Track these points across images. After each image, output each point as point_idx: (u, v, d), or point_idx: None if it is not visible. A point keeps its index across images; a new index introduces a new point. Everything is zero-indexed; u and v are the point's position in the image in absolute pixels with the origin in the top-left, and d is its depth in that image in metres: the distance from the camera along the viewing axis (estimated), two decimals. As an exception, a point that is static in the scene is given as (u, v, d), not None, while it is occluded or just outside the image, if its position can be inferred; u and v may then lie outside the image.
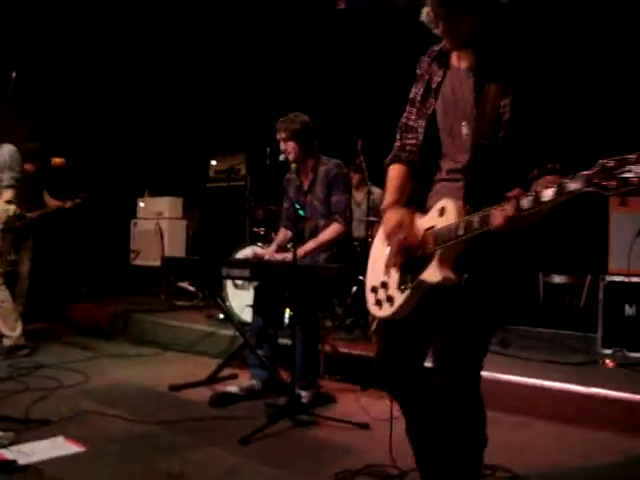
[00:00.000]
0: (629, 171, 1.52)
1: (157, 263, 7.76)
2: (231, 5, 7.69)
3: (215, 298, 4.97)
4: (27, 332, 5.39)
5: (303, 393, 3.90)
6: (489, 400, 2.12)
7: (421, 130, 2.26)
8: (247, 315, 4.99)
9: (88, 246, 8.94)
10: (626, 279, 4.76)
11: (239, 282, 5.63)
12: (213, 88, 8.89)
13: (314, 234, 4.19)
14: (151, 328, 6.14)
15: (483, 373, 2.10)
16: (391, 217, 2.18)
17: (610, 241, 4.98)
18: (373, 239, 5.47)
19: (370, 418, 3.64)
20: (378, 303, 2.26)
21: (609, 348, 4.79)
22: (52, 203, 6.52)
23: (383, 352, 2.31)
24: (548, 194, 1.69)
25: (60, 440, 3.19)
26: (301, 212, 3.75)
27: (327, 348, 4.59)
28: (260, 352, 4.14)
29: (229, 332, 5.28)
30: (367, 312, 4.96)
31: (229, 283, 5.73)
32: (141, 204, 9.01)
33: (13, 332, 5.08)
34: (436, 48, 2.27)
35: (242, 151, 8.22)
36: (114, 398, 4.04)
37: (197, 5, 7.78)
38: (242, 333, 4.43)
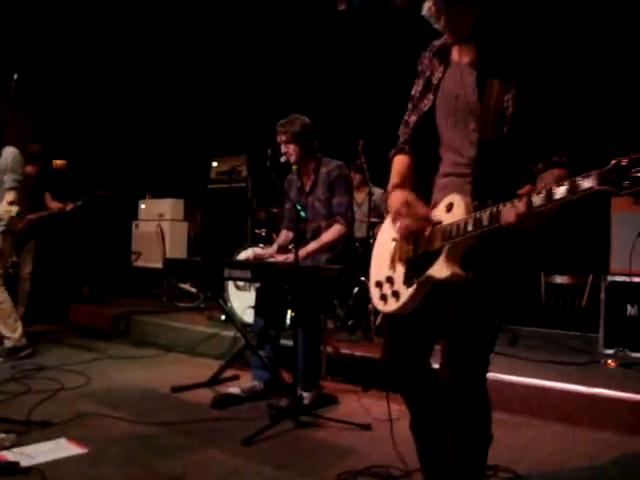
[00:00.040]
0: None
1: (159, 265, 7.76)
2: (232, 7, 7.69)
3: (217, 299, 4.97)
4: (29, 334, 5.39)
5: (305, 394, 3.90)
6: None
7: (411, 126, 2.28)
8: (249, 316, 4.99)
9: (90, 248, 8.97)
10: (628, 279, 4.76)
11: (241, 283, 5.64)
12: (214, 90, 8.90)
13: (316, 235, 4.19)
14: (153, 330, 6.14)
15: (485, 373, 2.10)
16: (396, 197, 2.16)
17: (612, 241, 4.98)
18: (375, 239, 5.48)
19: (372, 419, 3.65)
20: (383, 298, 2.25)
21: (611, 348, 4.79)
22: (53, 205, 6.53)
23: (388, 348, 2.31)
24: (560, 192, 1.67)
25: (62, 442, 3.19)
26: (302, 213, 3.75)
27: (329, 349, 4.59)
28: (262, 353, 4.14)
29: (231, 333, 5.29)
30: (368, 313, 5.03)
31: (231, 284, 5.73)
32: (142, 206, 9.01)
33: (14, 333, 5.08)
34: (437, 43, 2.27)
35: (243, 152, 8.22)
36: (116, 400, 4.05)
37: (198, 7, 7.78)
38: (244, 334, 4.43)
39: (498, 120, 2.00)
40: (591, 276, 5.31)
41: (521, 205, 1.77)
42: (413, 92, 2.33)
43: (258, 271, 3.95)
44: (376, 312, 4.73)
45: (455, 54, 2.17)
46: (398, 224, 2.14)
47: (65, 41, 8.08)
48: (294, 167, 4.29)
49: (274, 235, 5.77)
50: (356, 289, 5.52)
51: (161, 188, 9.16)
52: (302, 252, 3.90)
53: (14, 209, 4.82)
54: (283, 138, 4.18)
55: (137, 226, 8.96)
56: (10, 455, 2.92)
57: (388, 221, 2.31)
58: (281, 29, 7.66)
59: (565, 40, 4.93)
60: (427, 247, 2.08)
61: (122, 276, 8.95)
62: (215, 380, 4.47)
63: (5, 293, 5.07)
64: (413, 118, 2.29)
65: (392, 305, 2.20)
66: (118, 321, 6.44)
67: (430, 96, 2.21)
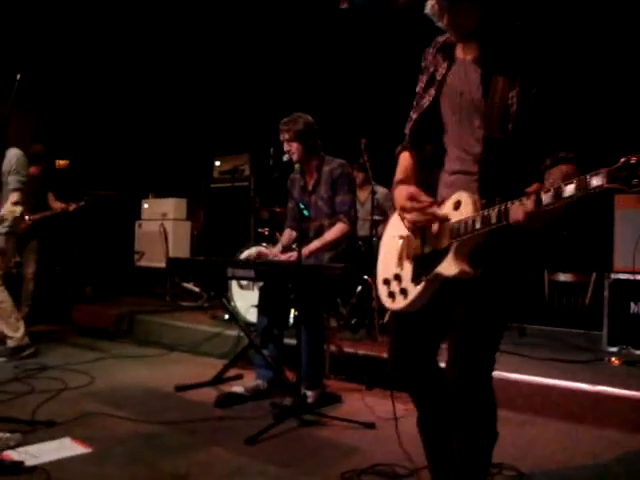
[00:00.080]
0: None
1: (162, 264, 7.76)
2: (234, 5, 7.69)
3: (220, 299, 4.97)
4: (32, 334, 5.41)
5: (309, 393, 3.90)
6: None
7: (413, 122, 2.29)
8: (252, 315, 5.00)
9: (93, 248, 8.98)
10: (631, 277, 4.76)
11: (244, 282, 5.64)
12: (216, 89, 8.90)
13: (319, 234, 4.19)
14: (156, 329, 6.15)
15: (489, 372, 2.11)
16: (401, 192, 2.17)
17: (615, 239, 4.98)
18: (378, 238, 5.46)
19: (376, 417, 3.65)
20: (391, 295, 2.25)
21: (615, 346, 4.79)
22: (56, 205, 6.53)
23: (395, 345, 2.31)
24: (569, 190, 1.66)
25: (66, 441, 3.19)
26: (305, 212, 3.75)
27: (332, 348, 4.58)
28: (265, 352, 4.14)
29: (234, 332, 5.29)
30: (372, 312, 5.03)
31: (234, 284, 5.73)
32: (145, 205, 9.03)
33: (16, 333, 5.09)
34: (440, 39, 2.27)
35: (246, 151, 8.22)
36: (120, 399, 4.05)
37: (201, 6, 7.78)
38: (247, 333, 4.43)
39: (503, 117, 2.00)
40: (595, 274, 5.30)
41: (529, 203, 1.76)
42: (418, 89, 2.33)
43: (261, 270, 3.95)
44: (381, 310, 4.76)
45: (459, 51, 2.17)
46: (405, 218, 2.15)
47: (67, 41, 8.08)
48: (297, 166, 4.28)
49: (277, 234, 5.77)
50: (359, 288, 5.52)
51: (164, 188, 9.17)
52: (305, 251, 3.90)
53: (18, 210, 4.83)
54: (286, 136, 4.17)
55: (140, 226, 8.97)
56: (15, 454, 2.92)
57: (394, 218, 2.31)
58: (283, 28, 7.65)
59: (570, 36, 4.92)
60: (435, 245, 2.08)
61: (125, 276, 8.96)
62: (219, 379, 4.48)
63: (5, 292, 5.08)
64: (415, 114, 2.29)
65: (400, 303, 2.20)
66: (121, 321, 6.45)
67: (432, 91, 2.21)
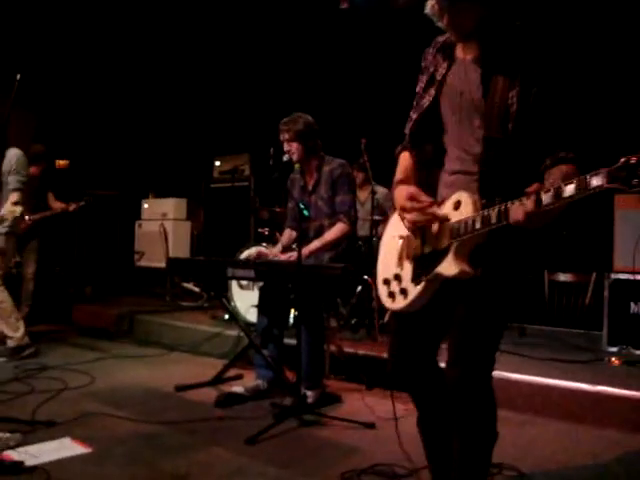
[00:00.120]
0: None
1: (162, 264, 7.76)
2: (234, 5, 7.69)
3: (220, 299, 4.97)
4: (32, 334, 5.41)
5: (309, 393, 3.90)
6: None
7: (413, 122, 2.29)
8: (252, 315, 5.00)
9: (93, 248, 8.98)
10: (631, 277, 4.76)
11: (244, 282, 5.64)
12: (216, 89, 8.90)
13: (319, 234, 4.19)
14: (156, 329, 6.15)
15: (489, 372, 2.11)
16: (401, 192, 2.17)
17: (615, 239, 4.98)
18: (378, 238, 5.47)
19: (376, 417, 3.65)
20: (391, 295, 2.25)
21: (615, 346, 4.79)
22: (56, 205, 6.53)
23: (395, 345, 2.31)
24: (569, 190, 1.67)
25: (66, 441, 3.19)
26: (305, 212, 3.75)
27: (332, 348, 4.58)
28: (265, 352, 4.14)
29: (234, 332, 5.29)
30: (372, 312, 5.03)
31: (234, 284, 5.73)
32: (145, 205, 9.03)
33: (16, 332, 5.09)
34: (440, 39, 2.27)
35: (246, 151, 8.22)
36: (120, 399, 4.05)
37: (200, 5, 7.78)
38: (247, 333, 4.43)
39: (503, 117, 2.00)
40: (595, 274, 5.30)
41: (529, 203, 1.77)
42: (418, 89, 2.33)
43: (261, 270, 3.95)
44: (381, 309, 4.76)
45: (459, 51, 2.17)
46: (405, 218, 2.16)
47: (67, 41, 8.08)
48: (297, 166, 4.28)
49: (277, 234, 5.77)
50: (359, 288, 5.52)
51: (164, 188, 9.17)
52: (305, 250, 3.90)
53: (18, 210, 4.84)
54: (286, 136, 4.17)
55: (140, 226, 8.97)
56: (15, 454, 2.93)
57: (394, 218, 2.32)
58: (283, 28, 7.65)
59: (569, 36, 4.92)
60: (435, 245, 2.09)
61: (125, 276, 8.97)
62: (219, 379, 4.48)
63: (5, 292, 5.08)
64: (415, 114, 2.29)
65: (400, 303, 2.20)
66: (121, 321, 6.45)
67: (432, 91, 2.21)
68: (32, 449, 3.02)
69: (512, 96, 1.99)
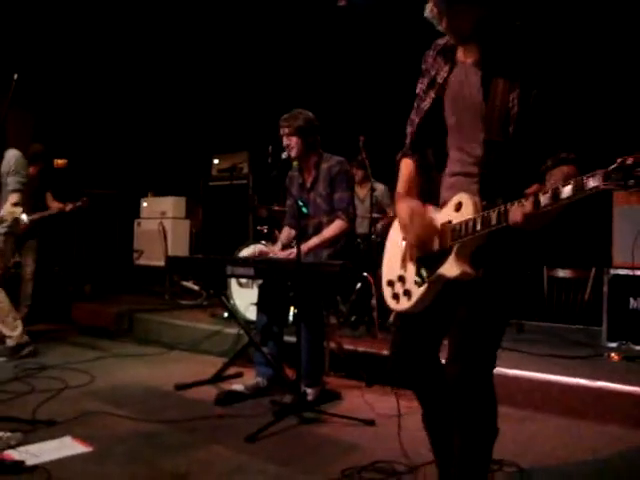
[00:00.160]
0: None
1: (161, 263, 7.77)
2: (233, 3, 7.68)
3: (219, 297, 4.97)
4: (31, 333, 5.40)
5: (308, 390, 3.91)
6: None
7: (414, 126, 2.30)
8: (251, 313, 4.99)
9: (92, 246, 8.98)
10: (630, 272, 4.76)
11: (243, 280, 5.64)
12: (215, 87, 8.90)
13: (317, 231, 4.19)
14: (156, 328, 6.14)
15: (489, 368, 2.11)
16: (403, 207, 2.19)
17: (614, 234, 4.97)
18: (377, 235, 5.47)
19: (376, 414, 3.65)
20: (395, 297, 2.27)
21: (614, 341, 4.79)
22: (54, 205, 6.52)
23: (398, 342, 2.33)
24: (566, 191, 1.69)
25: (67, 440, 3.19)
26: (304, 209, 3.75)
27: (332, 345, 4.59)
28: (265, 350, 4.14)
29: (234, 330, 5.29)
30: (371, 309, 5.03)
31: (233, 282, 5.73)
32: (144, 204, 9.02)
33: (14, 332, 5.09)
34: (440, 42, 2.27)
35: (244, 149, 8.22)
36: (120, 398, 4.05)
37: (199, 4, 7.77)
38: (247, 331, 4.43)
39: (503, 120, 2.01)
40: (594, 269, 5.30)
41: (528, 205, 1.79)
42: (418, 90, 2.33)
43: (260, 268, 3.95)
44: (381, 307, 4.77)
45: (460, 54, 2.18)
46: (407, 236, 2.19)
47: (65, 40, 8.08)
48: (295, 163, 4.28)
49: (276, 232, 5.77)
50: (359, 285, 5.52)
51: (163, 186, 9.17)
52: (304, 247, 3.90)
53: (18, 211, 4.83)
54: (286, 131, 4.17)
55: (139, 224, 8.97)
56: (16, 454, 2.92)
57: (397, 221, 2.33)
58: (281, 25, 7.65)
59: (569, 36, 4.92)
60: (437, 244, 2.11)
61: (124, 274, 8.96)
62: (218, 377, 4.47)
63: (3, 292, 5.07)
64: (416, 118, 2.30)
65: (404, 304, 2.22)
66: (121, 319, 6.44)
67: (433, 95, 2.22)
68: (33, 448, 3.02)
69: (513, 98, 2.00)
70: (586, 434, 3.44)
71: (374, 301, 5.02)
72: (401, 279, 2.25)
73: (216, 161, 8.58)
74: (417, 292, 2.16)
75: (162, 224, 8.03)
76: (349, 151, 5.20)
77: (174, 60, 8.73)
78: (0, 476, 2.72)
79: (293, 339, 3.94)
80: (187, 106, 9.16)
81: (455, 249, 2.03)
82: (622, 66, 5.66)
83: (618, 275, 4.82)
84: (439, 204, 2.18)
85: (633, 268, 4.71)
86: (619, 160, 1.56)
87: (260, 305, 4.30)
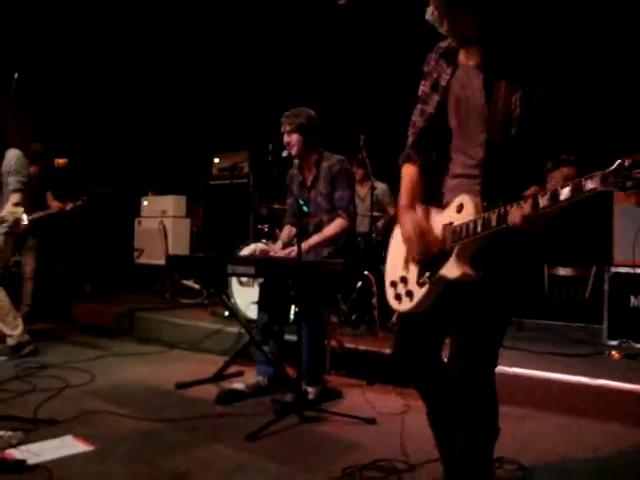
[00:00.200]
0: None
1: (161, 261, 7.76)
2: (233, 2, 7.68)
3: (220, 295, 4.97)
4: (32, 332, 5.40)
5: (309, 389, 3.91)
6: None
7: (417, 129, 2.30)
8: (252, 312, 5.00)
9: (92, 246, 8.98)
10: (631, 270, 4.76)
11: (244, 279, 5.64)
12: (215, 85, 8.90)
13: (318, 230, 4.19)
14: (156, 326, 6.14)
15: (488, 366, 2.11)
16: (406, 221, 2.22)
17: (615, 232, 4.98)
18: (377, 234, 5.47)
19: (377, 413, 3.65)
20: (398, 297, 2.30)
21: (615, 339, 4.79)
22: (54, 205, 6.52)
23: (400, 341, 2.36)
24: (565, 193, 1.71)
25: (68, 439, 3.20)
26: (305, 208, 3.75)
27: (333, 344, 4.59)
28: (266, 349, 4.14)
29: (235, 329, 5.29)
30: (372, 307, 5.03)
31: (234, 280, 5.73)
32: (145, 203, 9.03)
33: (14, 331, 5.09)
34: (443, 45, 2.28)
35: (245, 148, 8.23)
36: (120, 397, 4.05)
37: (199, 3, 7.77)
38: (248, 330, 4.43)
39: (506, 122, 2.02)
40: (594, 268, 5.31)
41: (527, 206, 1.80)
42: (420, 92, 2.34)
43: (261, 266, 3.95)
44: (382, 306, 4.77)
45: (462, 57, 2.18)
46: (411, 248, 2.21)
47: (65, 39, 8.08)
48: (295, 161, 4.27)
49: (277, 230, 5.77)
50: (360, 283, 5.52)
51: (163, 185, 9.17)
52: (304, 245, 3.90)
53: (19, 211, 4.83)
54: (287, 128, 4.17)
55: (139, 223, 8.98)
56: (17, 453, 2.92)
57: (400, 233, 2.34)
58: (282, 24, 7.65)
59: (570, 38, 4.92)
60: (438, 249, 2.13)
61: (125, 273, 8.96)
62: (219, 376, 4.47)
63: (3, 292, 5.07)
64: (420, 121, 2.30)
65: (406, 304, 2.25)
66: (121, 318, 6.44)
67: (437, 97, 2.22)
68: (34, 447, 3.02)
69: (515, 100, 2.01)
70: (587, 432, 3.44)
71: (375, 300, 5.02)
72: (403, 280, 2.27)
73: (217, 160, 8.58)
74: (419, 293, 2.18)
75: (163, 223, 8.03)
76: (349, 150, 5.20)
77: (174, 59, 8.73)
78: (1, 475, 2.73)
79: (294, 338, 3.94)
80: (188, 105, 9.16)
81: (456, 250, 2.05)
82: (622, 67, 5.66)
83: (619, 273, 4.83)
84: (442, 205, 2.20)
85: (634, 266, 4.71)
86: (617, 162, 1.58)
87: (261, 304, 4.30)
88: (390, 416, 3.61)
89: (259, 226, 6.38)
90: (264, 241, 5.49)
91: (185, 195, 8.90)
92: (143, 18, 8.07)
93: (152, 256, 8.44)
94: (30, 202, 5.94)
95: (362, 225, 6.07)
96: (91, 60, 8.51)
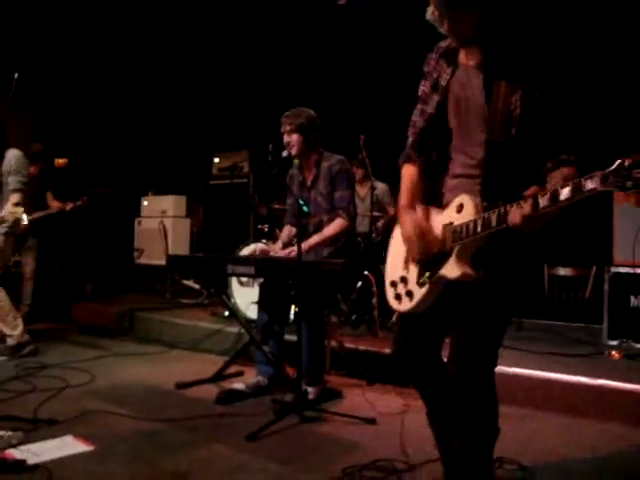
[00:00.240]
0: None
1: (161, 261, 7.75)
2: (232, 3, 7.68)
3: (220, 295, 4.97)
4: (32, 332, 5.40)
5: (309, 389, 3.91)
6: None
7: (418, 129, 2.30)
8: (252, 312, 5.00)
9: (92, 246, 8.98)
10: (631, 270, 4.76)
11: (244, 279, 5.64)
12: (215, 85, 8.90)
13: (318, 230, 4.19)
14: (156, 326, 6.14)
15: (489, 366, 2.11)
16: (406, 221, 2.22)
17: (615, 232, 4.98)
18: (377, 234, 5.46)
19: (377, 413, 3.65)
20: (398, 297, 2.31)
21: (615, 339, 4.79)
22: (54, 205, 6.52)
23: (400, 341, 2.36)
24: (565, 193, 1.71)
25: (68, 439, 3.20)
26: (305, 208, 3.75)
27: (333, 344, 4.59)
28: (266, 349, 4.14)
29: (235, 329, 5.29)
30: (372, 307, 5.04)
31: (234, 280, 5.73)
32: (145, 203, 9.03)
33: (14, 331, 5.09)
34: (443, 45, 2.28)
35: (245, 148, 8.23)
36: (121, 397, 4.05)
37: (199, 3, 7.77)
38: (248, 330, 4.43)
39: (506, 122, 2.03)
40: (594, 268, 5.31)
41: (527, 206, 1.81)
42: (420, 92, 2.34)
43: (261, 266, 3.95)
44: (382, 306, 4.77)
45: (462, 56, 2.19)
46: (411, 249, 2.21)
47: (65, 40, 8.08)
48: (295, 161, 4.28)
49: (277, 230, 5.77)
50: (359, 283, 5.52)
51: (163, 185, 9.18)
52: (305, 245, 3.90)
53: (20, 211, 4.84)
54: (287, 128, 4.17)
55: (139, 223, 8.98)
56: (17, 453, 2.92)
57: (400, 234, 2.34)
58: (282, 24, 7.65)
59: (570, 38, 4.92)
60: (438, 249, 2.14)
61: (125, 273, 8.96)
62: (219, 376, 4.47)
63: (2, 291, 5.06)
64: (420, 121, 2.30)
65: (406, 304, 2.25)
66: (122, 318, 6.44)
67: (437, 97, 2.22)
68: (34, 447, 3.02)
69: (515, 100, 2.01)
70: (587, 432, 3.44)
71: (375, 300, 5.02)
72: (403, 280, 2.28)
73: (217, 160, 8.59)
74: (419, 293, 2.19)
75: (163, 223, 8.03)
76: (349, 150, 5.20)
77: (174, 59, 8.73)
78: (1, 475, 2.73)
79: (294, 338, 3.94)
80: (187, 105, 9.16)
81: (456, 250, 2.05)
82: (622, 67, 5.66)
83: (619, 273, 4.83)
84: (442, 205, 2.20)
85: (634, 266, 4.71)
86: (617, 162, 1.58)
87: (261, 304, 4.30)
88: (390, 416, 3.61)
89: (259, 226, 6.38)
90: (264, 241, 5.49)
91: (185, 195, 8.90)
92: (143, 18, 8.08)
93: (152, 256, 8.44)
94: (30, 202, 5.94)
95: (362, 225, 6.08)
96: (91, 60, 8.51)
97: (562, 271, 5.58)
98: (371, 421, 3.55)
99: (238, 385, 4.14)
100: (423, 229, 2.15)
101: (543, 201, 1.77)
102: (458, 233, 2.04)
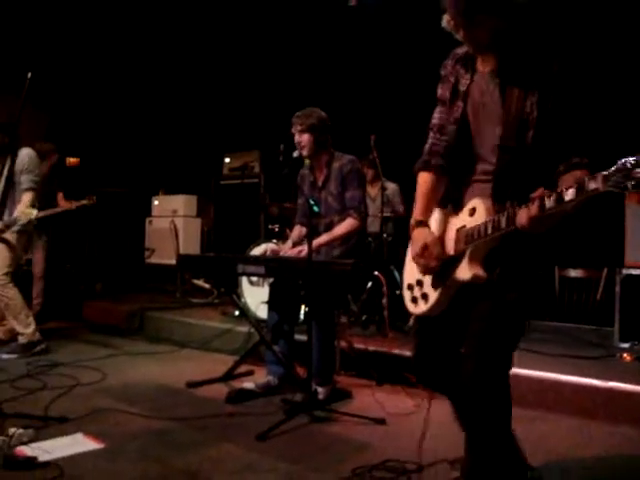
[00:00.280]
0: None
1: (172, 261, 7.78)
2: (244, 2, 7.70)
3: (230, 295, 4.98)
4: (43, 331, 5.42)
5: (319, 389, 3.91)
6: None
7: (452, 134, 2.28)
8: (262, 312, 5.00)
9: (103, 245, 9.02)
10: (643, 272, 4.73)
11: (254, 279, 5.65)
12: (226, 85, 8.91)
13: (329, 230, 4.18)
14: (167, 326, 6.16)
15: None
16: (418, 238, 2.23)
17: (626, 234, 4.94)
18: (388, 234, 5.44)
19: (386, 413, 3.65)
20: (414, 300, 2.34)
21: (626, 342, 4.77)
22: (62, 204, 6.54)
23: (417, 346, 2.38)
24: (570, 194, 1.72)
25: (79, 437, 3.21)
26: (315, 208, 3.74)
27: (343, 344, 4.59)
28: (276, 348, 4.15)
29: (245, 329, 5.30)
30: (382, 308, 5.04)
31: (244, 280, 5.74)
32: (156, 202, 9.05)
33: (26, 329, 5.12)
34: (459, 51, 2.29)
35: (256, 148, 8.24)
36: (131, 395, 4.07)
37: (211, 4, 7.79)
38: (258, 329, 4.43)
39: (522, 126, 2.04)
40: (606, 269, 5.28)
41: (534, 208, 1.82)
42: (439, 94, 2.33)
43: (272, 266, 3.95)
44: (392, 306, 4.78)
45: (479, 63, 2.20)
46: (419, 264, 2.24)
47: (78, 40, 8.12)
48: (306, 162, 4.28)
49: (287, 230, 5.77)
50: (369, 284, 5.52)
51: (174, 184, 9.20)
52: (315, 243, 3.89)
53: (34, 212, 4.87)
54: (298, 128, 4.17)
55: (150, 222, 9.00)
56: (28, 450, 2.94)
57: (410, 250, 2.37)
58: (293, 25, 7.66)
59: (586, 43, 4.90)
60: (453, 250, 2.16)
61: (136, 273, 8.99)
62: (229, 375, 4.48)
63: (15, 289, 5.08)
64: (441, 125, 2.31)
65: (422, 307, 2.28)
66: (132, 317, 6.46)
67: (459, 103, 2.23)
68: (45, 445, 3.04)
69: (531, 104, 2.02)
70: (597, 435, 3.43)
71: (385, 300, 5.01)
72: (419, 283, 2.30)
73: (227, 160, 8.60)
74: (433, 295, 2.21)
75: (173, 222, 8.05)
76: (360, 150, 5.20)
77: (186, 59, 8.76)
78: (13, 472, 2.74)
79: (304, 338, 3.94)
80: (199, 105, 9.19)
81: (468, 252, 2.07)
82: (635, 72, 5.63)
83: (631, 275, 4.80)
84: (460, 209, 2.21)
85: (645, 268, 4.69)
86: (620, 162, 1.58)
87: (271, 303, 4.31)
88: (400, 416, 3.61)
89: (270, 226, 6.39)
90: (275, 241, 5.50)
91: (196, 195, 8.91)
92: (156, 19, 8.11)
93: (163, 255, 8.46)
94: (41, 201, 5.97)
95: (373, 225, 6.07)
96: (104, 61, 8.55)
97: (573, 273, 5.56)
98: (381, 421, 3.55)
99: (248, 384, 4.15)
100: (431, 245, 2.17)
101: (549, 202, 1.78)
102: (470, 235, 2.06)
